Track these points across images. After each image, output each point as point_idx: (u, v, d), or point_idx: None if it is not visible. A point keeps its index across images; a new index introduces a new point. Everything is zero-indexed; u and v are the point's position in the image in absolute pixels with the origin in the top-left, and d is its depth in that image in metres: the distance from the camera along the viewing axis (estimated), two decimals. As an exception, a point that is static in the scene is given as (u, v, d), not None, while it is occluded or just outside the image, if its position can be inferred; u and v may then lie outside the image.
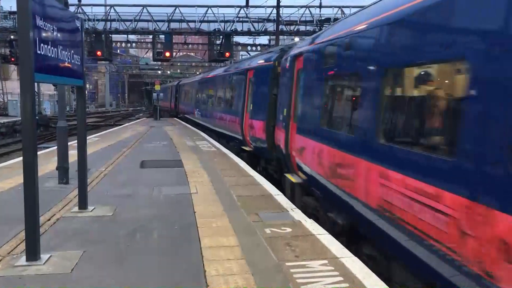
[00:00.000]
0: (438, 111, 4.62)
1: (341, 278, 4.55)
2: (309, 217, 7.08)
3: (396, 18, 5.35)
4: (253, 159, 14.56)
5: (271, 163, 12.86)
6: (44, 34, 5.17)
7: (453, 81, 4.42)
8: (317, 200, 8.25)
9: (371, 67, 5.87)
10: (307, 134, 8.63)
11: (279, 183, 10.91)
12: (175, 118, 39.66)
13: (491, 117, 3.60)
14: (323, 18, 32.22)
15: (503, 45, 3.49)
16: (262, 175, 11.11)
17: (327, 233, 6.13)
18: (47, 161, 11.79)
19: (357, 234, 6.38)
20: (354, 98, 6.63)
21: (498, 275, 3.38)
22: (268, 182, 9.72)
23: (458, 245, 3.79)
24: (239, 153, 15.54)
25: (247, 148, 15.35)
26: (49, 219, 6.71)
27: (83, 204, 7.18)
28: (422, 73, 4.99)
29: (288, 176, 10.01)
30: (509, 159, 3.35)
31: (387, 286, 4.42)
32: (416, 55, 4.83)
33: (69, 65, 6.12)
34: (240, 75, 17.22)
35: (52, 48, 5.41)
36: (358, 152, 6.01)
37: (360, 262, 5.03)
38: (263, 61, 14.60)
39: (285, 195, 8.91)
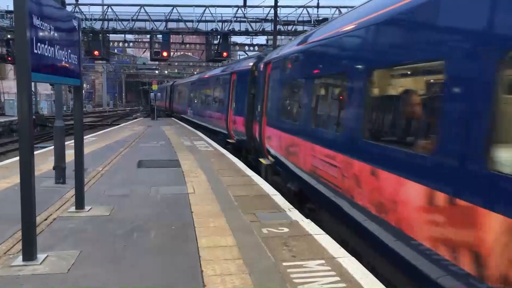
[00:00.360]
0: (326, 101, 8.01)
1: (338, 278, 4.56)
2: (277, 189, 9.07)
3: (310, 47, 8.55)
4: (236, 150, 16.65)
5: (251, 152, 15.00)
6: (41, 34, 5.16)
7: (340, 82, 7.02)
8: (280, 176, 10.56)
9: (304, 77, 8.76)
10: (273, 125, 11.09)
11: (258, 170, 12.72)
12: (172, 118, 39.64)
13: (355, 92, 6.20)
14: (320, 18, 32.25)
15: (478, 48, 3.69)
16: (243, 162, 13.16)
17: (324, 233, 6.13)
18: (44, 160, 11.77)
19: (304, 196, 8.68)
20: (298, 98, 9.24)
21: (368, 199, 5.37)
22: (266, 182, 9.72)
23: (342, 182, 6.29)
24: (226, 145, 17.83)
25: (231, 141, 17.77)
26: (46, 219, 6.69)
27: (80, 204, 7.17)
28: (325, 80, 8.04)
29: (261, 160, 12.44)
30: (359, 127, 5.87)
31: (384, 286, 4.43)
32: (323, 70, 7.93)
33: (66, 64, 6.11)
34: (225, 78, 19.69)
35: (49, 47, 5.40)
36: (300, 135, 8.57)
37: (357, 262, 5.04)
38: (243, 66, 17.06)
39: (261, 177, 10.89)
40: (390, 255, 4.95)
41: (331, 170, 6.78)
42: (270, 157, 11.48)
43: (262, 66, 13.25)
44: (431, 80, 4.82)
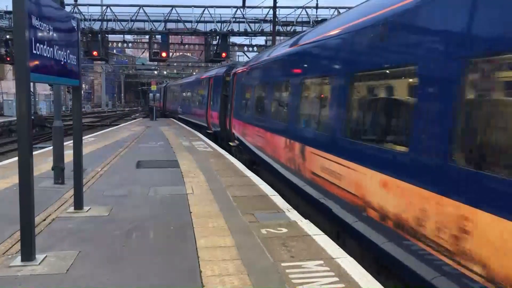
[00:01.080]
0: (264, 100, 11.83)
1: (337, 279, 4.56)
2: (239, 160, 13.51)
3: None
4: (214, 138, 21.52)
5: (224, 139, 19.47)
6: (40, 34, 5.16)
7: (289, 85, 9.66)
8: (241, 152, 15.35)
9: (253, 84, 13.28)
10: (237, 118, 15.79)
11: (229, 150, 16.68)
12: (171, 118, 39.67)
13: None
14: (319, 19, 32.26)
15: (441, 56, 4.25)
16: (218, 146, 17.57)
17: (323, 233, 6.14)
18: (42, 161, 11.76)
19: (254, 163, 13.24)
20: (249, 98, 13.71)
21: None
22: (265, 183, 9.72)
23: (271, 150, 9.76)
24: (207, 135, 22.66)
25: (210, 131, 23.04)
26: (44, 219, 6.69)
27: (78, 204, 7.17)
28: (263, 87, 12.03)
29: (230, 143, 17.16)
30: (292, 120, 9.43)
31: (382, 287, 4.43)
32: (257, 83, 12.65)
33: (65, 65, 6.11)
34: (205, 81, 24.87)
35: (48, 48, 5.40)
36: (250, 121, 13.13)
37: (356, 263, 5.04)
38: (218, 73, 22.08)
39: (231, 155, 14.97)
40: (294, 187, 8.71)
41: (266, 143, 11.09)
42: (236, 141, 16.27)
43: (231, 74, 18.18)
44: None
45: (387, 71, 5.56)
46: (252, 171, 11.12)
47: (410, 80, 5.01)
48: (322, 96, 7.63)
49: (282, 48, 11.07)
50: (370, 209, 5.33)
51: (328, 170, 6.76)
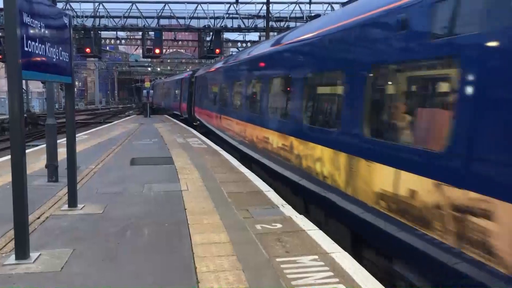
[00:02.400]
0: (214, 94, 18.98)
1: (331, 273, 4.58)
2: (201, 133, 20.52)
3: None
4: (184, 121, 29.53)
5: (189, 122, 27.76)
6: (31, 31, 5.13)
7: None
8: (200, 127, 22.69)
9: (207, 84, 21.10)
10: (198, 106, 23.64)
11: (194, 128, 24.29)
12: (165, 115, 39.71)
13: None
14: (312, 14, 32.23)
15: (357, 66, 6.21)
16: (187, 125, 25.81)
17: (317, 228, 6.16)
18: (36, 159, 11.70)
19: (207, 133, 20.38)
20: (205, 93, 21.06)
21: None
22: (260, 179, 9.73)
23: (216, 124, 17.77)
24: (180, 120, 30.90)
25: (181, 117, 31.90)
26: (38, 217, 6.67)
27: (72, 202, 7.14)
28: (211, 87, 19.88)
29: (194, 124, 25.34)
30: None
31: (376, 281, 4.46)
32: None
33: (57, 62, 6.07)
34: (178, 82, 34.86)
35: (39, 45, 5.37)
36: (204, 108, 21.21)
37: (351, 257, 5.07)
38: (187, 75, 31.37)
39: (196, 130, 22.25)
40: (226, 142, 14.73)
41: (212, 120, 18.09)
42: (198, 122, 24.64)
43: (194, 77, 27.17)
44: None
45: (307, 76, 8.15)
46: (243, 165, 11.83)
47: (339, 80, 6.93)
48: (239, 92, 13.86)
49: (218, 63, 20.46)
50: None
51: (234, 129, 14.08)
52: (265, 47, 11.63)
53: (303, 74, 8.20)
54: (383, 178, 5.22)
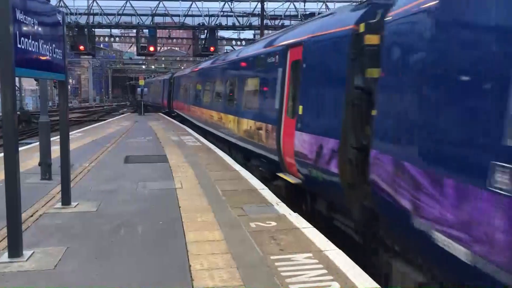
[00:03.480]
0: (188, 91, 26.00)
1: (325, 271, 4.60)
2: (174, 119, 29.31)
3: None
4: (166, 114, 35.25)
5: (170, 114, 33.78)
6: (24, 28, 5.10)
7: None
8: (178, 117, 30.29)
9: (181, 83, 29.74)
10: (175, 100, 32.28)
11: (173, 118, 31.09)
12: (159, 113, 39.69)
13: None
14: (307, 12, 32.24)
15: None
16: (169, 116, 32.53)
17: (312, 226, 6.17)
18: (29, 157, 11.64)
19: (182, 121, 27.53)
20: (180, 91, 29.34)
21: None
22: (254, 177, 9.73)
23: (185, 111, 26.59)
24: (163, 113, 37.19)
25: (164, 111, 37.78)
26: (31, 215, 6.64)
27: (66, 200, 7.11)
28: (185, 85, 27.71)
29: (173, 114, 32.42)
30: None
31: (370, 278, 4.47)
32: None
33: (51, 59, 6.04)
34: (161, 81, 43.18)
35: (33, 42, 5.34)
36: (180, 101, 29.04)
37: (344, 255, 5.08)
38: (167, 77, 38.58)
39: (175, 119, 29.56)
40: (195, 125, 22.30)
41: (185, 110, 25.94)
42: (175, 113, 31.55)
43: (173, 78, 34.33)
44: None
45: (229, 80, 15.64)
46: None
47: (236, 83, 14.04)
48: (198, 89, 22.06)
49: (187, 69, 31.34)
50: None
51: (197, 113, 21.65)
52: (207, 64, 21.68)
53: (225, 80, 15.87)
54: (244, 125, 12.06)
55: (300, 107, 8.09)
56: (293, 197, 8.73)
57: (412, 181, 4.56)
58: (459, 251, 3.87)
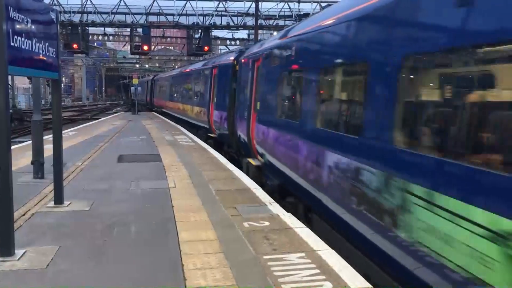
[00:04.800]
0: (174, 91, 32.06)
1: (318, 271, 4.61)
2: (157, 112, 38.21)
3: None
4: (149, 110, 44.99)
5: (152, 109, 44.14)
6: (18, 26, 5.08)
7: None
8: (158, 112, 39.55)
9: (163, 85, 38.59)
10: (156, 98, 42.45)
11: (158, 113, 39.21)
12: (153, 113, 39.76)
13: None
14: (301, 13, 32.27)
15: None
16: (151, 111, 42.56)
17: (305, 226, 6.19)
18: (21, 155, 11.58)
19: (162, 113, 36.57)
20: (159, 90, 40.56)
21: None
22: (247, 177, 9.74)
23: (173, 109, 31.98)
24: (149, 109, 46.35)
25: (147, 107, 48.91)
26: (24, 214, 6.61)
27: (59, 198, 7.09)
28: (170, 86, 34.61)
29: (153, 110, 43.98)
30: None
31: (363, 278, 4.49)
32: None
33: (44, 57, 6.02)
34: (147, 82, 52.75)
35: (26, 40, 5.32)
36: (159, 98, 39.99)
37: (337, 254, 5.10)
38: (149, 78, 53.59)
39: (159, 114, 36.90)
40: (176, 117, 29.09)
41: (162, 104, 36.22)
42: (155, 108, 42.36)
43: (154, 79, 45.96)
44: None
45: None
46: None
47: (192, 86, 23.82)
48: (170, 89, 32.69)
49: (168, 72, 41.43)
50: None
51: (170, 106, 32.21)
52: (175, 71, 34.41)
53: (182, 83, 26.66)
54: (194, 110, 21.70)
55: (215, 98, 17.14)
56: (215, 145, 16.37)
57: (247, 126, 11.56)
58: (267, 156, 9.62)
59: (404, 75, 4.54)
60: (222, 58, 18.04)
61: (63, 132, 8.64)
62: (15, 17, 4.99)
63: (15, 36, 4.98)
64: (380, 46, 4.99)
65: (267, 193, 8.16)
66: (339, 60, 6.24)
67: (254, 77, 11.56)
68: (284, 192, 8.82)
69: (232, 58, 15.47)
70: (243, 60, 13.29)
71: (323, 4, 33.51)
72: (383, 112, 4.76)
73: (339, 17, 6.19)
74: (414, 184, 4.06)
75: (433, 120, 4.21)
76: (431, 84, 4.39)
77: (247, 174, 10.59)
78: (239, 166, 11.83)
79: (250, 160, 11.39)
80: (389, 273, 4.78)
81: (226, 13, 35.89)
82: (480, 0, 3.52)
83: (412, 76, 4.60)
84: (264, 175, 10.32)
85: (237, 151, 13.76)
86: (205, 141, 16.94)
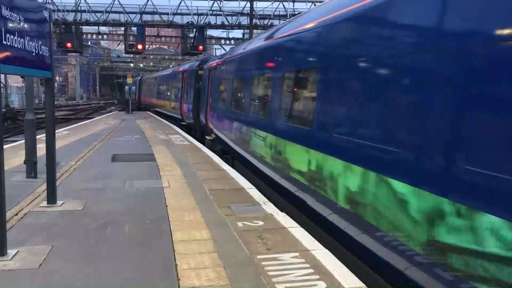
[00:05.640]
0: (153, 89, 40.99)
1: (312, 270, 4.61)
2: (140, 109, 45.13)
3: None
4: (138, 107, 47.39)
5: (139, 106, 48.26)
6: (10, 25, 5.04)
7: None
8: (147, 108, 43.92)
9: (142, 85, 50.21)
10: (142, 96, 48.68)
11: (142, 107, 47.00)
12: (147, 112, 39.68)
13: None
14: (296, 12, 32.29)
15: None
16: (139, 109, 46.73)
17: (299, 226, 6.19)
18: (14, 154, 11.51)
19: (146, 109, 44.30)
20: (146, 89, 45.84)
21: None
22: (242, 176, 9.73)
23: (154, 102, 39.98)
24: (137, 107, 48.26)
25: (136, 104, 47.74)
26: (16, 214, 6.56)
27: (52, 198, 7.05)
28: (151, 85, 43.35)
29: (141, 106, 48.25)
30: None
31: (356, 277, 4.50)
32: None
33: (37, 56, 5.98)
34: (135, 81, 51.72)
35: (18, 38, 5.28)
36: (145, 96, 45.67)
37: (331, 254, 5.10)
38: (137, 78, 55.65)
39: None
40: (157, 111, 35.82)
41: (148, 101, 42.37)
42: (143, 105, 46.77)
43: (141, 80, 51.31)
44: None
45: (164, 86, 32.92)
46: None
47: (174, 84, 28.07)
48: (154, 88, 38.56)
49: (151, 74, 50.22)
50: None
51: (154, 101, 37.93)
52: (156, 73, 42.63)
53: (161, 83, 34.05)
54: (171, 104, 28.27)
55: (184, 95, 22.83)
56: (187, 131, 21.02)
57: (205, 114, 17.15)
58: (215, 132, 15.02)
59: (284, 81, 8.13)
60: (190, 65, 23.46)
61: (56, 131, 8.61)
62: (7, 15, 4.95)
63: (8, 35, 4.94)
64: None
65: (216, 154, 13.17)
66: (241, 74, 11.82)
67: (209, 80, 16.92)
68: (224, 152, 13.97)
69: (196, 65, 21.14)
70: (204, 67, 19.07)
71: (317, 4, 33.53)
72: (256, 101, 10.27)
73: (244, 50, 11.89)
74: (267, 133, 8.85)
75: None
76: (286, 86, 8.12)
77: (207, 147, 15.44)
78: (202, 142, 17.16)
79: (207, 137, 16.95)
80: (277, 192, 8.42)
81: (220, 13, 35.86)
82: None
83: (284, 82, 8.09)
84: (215, 144, 15.56)
85: (200, 133, 19.64)
86: (179, 127, 23.30)
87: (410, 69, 4.20)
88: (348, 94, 5.44)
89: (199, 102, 19.37)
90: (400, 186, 4.19)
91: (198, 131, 20.05)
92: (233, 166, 11.59)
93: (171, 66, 61.50)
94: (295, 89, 7.61)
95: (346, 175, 5.29)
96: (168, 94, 29.68)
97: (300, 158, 6.82)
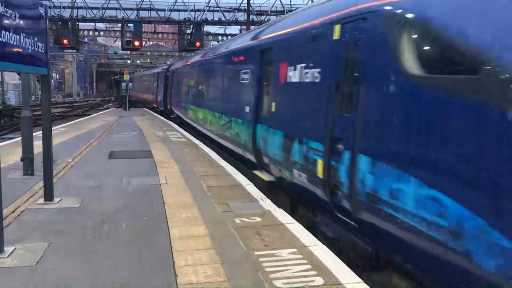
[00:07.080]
0: (142, 85, 50.79)
1: (309, 266, 4.62)
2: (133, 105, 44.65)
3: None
4: (131, 101, 42.90)
5: (137, 104, 46.38)
6: (5, 21, 5.01)
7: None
8: (142, 104, 44.44)
9: (135, 81, 56.87)
10: (133, 91, 50.08)
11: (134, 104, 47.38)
12: (144, 108, 39.64)
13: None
14: (293, 8, 32.25)
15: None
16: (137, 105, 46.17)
17: (296, 222, 6.19)
18: (11, 151, 11.46)
19: (136, 103, 47.02)
20: (136, 86, 53.26)
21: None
22: (240, 173, 9.72)
23: (140, 95, 49.79)
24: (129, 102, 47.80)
25: (131, 98, 45.52)
26: (13, 211, 6.55)
27: (49, 195, 7.03)
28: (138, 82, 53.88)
29: (132, 99, 45.38)
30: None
31: (354, 273, 4.51)
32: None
33: (33, 53, 5.95)
34: (130, 80, 49.16)
35: (14, 35, 5.25)
36: (135, 91, 50.44)
37: (328, 250, 5.11)
38: (130, 78, 51.05)
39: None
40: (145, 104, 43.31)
41: (138, 95, 48.12)
42: (134, 99, 46.25)
43: (131, 77, 53.75)
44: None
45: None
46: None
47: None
48: (141, 85, 48.25)
49: (138, 73, 61.52)
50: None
51: (139, 95, 47.82)
52: (143, 73, 55.87)
53: (147, 81, 42.11)
54: (151, 97, 36.95)
55: (158, 90, 32.06)
56: (160, 113, 29.97)
57: (170, 102, 27.19)
58: (176, 112, 24.85)
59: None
60: (161, 68, 32.54)
61: (53, 128, 8.59)
62: (2, 12, 4.92)
63: (3, 31, 4.91)
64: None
65: (176, 124, 20.51)
66: (183, 78, 21.89)
67: (172, 80, 26.46)
68: (181, 125, 21.38)
69: (165, 68, 30.28)
70: (170, 70, 27.88)
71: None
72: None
73: (186, 64, 21.85)
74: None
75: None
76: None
77: (175, 123, 22.73)
78: (169, 119, 25.44)
79: (171, 115, 25.96)
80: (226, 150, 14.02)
81: (217, 9, 35.79)
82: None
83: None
84: (176, 121, 23.45)
85: (167, 114, 27.88)
86: (159, 113, 30.79)
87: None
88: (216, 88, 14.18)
89: (168, 95, 27.95)
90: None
91: (166, 113, 28.75)
92: (180, 127, 21.00)
93: (168, 62, 62.27)
94: (204, 87, 16.24)
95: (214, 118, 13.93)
96: (148, 89, 40.25)
97: (207, 116, 15.11)
